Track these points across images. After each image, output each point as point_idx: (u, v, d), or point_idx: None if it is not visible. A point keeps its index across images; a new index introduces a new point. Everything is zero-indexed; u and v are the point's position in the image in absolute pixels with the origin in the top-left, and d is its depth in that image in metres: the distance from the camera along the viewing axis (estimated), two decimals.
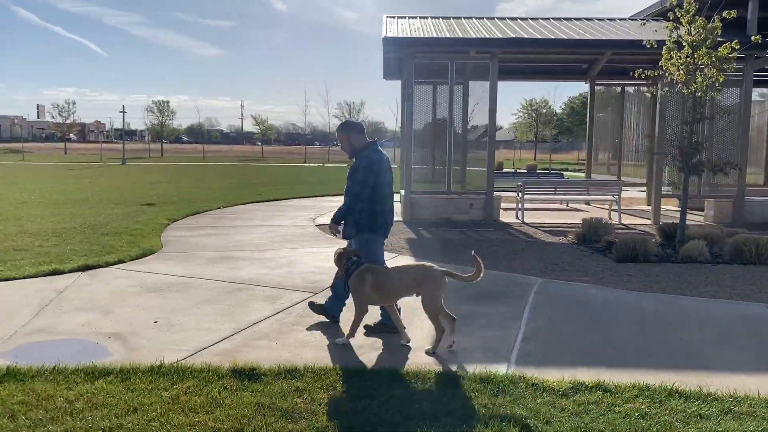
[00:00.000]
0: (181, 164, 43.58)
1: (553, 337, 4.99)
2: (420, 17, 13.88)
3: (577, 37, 12.39)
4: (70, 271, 7.03)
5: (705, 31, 8.60)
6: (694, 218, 12.36)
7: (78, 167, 36.20)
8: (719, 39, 8.62)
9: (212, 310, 5.59)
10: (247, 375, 4.00)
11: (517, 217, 12.73)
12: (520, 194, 12.71)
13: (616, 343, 4.87)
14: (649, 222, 12.48)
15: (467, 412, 3.50)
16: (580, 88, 75.20)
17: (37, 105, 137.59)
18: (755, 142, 16.73)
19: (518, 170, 32.22)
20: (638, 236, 8.89)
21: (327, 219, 12.29)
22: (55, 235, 9.53)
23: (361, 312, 4.76)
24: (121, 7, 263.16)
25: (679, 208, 14.63)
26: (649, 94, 16.46)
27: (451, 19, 13.88)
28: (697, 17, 8.67)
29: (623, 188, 13.27)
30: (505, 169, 29.35)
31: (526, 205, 12.80)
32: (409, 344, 4.71)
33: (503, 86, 12.64)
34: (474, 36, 12.08)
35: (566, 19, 14.24)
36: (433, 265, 4.87)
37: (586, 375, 4.08)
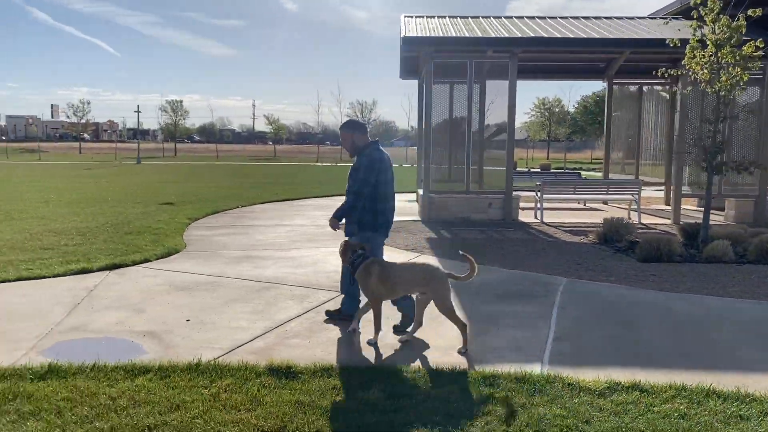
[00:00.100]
0: (196, 164, 43.84)
1: (584, 337, 4.99)
2: (438, 16, 13.88)
3: (598, 36, 12.34)
4: (98, 269, 7.11)
5: (729, 29, 8.55)
6: (714, 218, 12.25)
7: (94, 167, 36.52)
8: (743, 38, 8.57)
9: (242, 309, 5.64)
10: (284, 373, 4.04)
11: (535, 217, 12.70)
12: (538, 194, 12.68)
13: (647, 343, 4.86)
14: (668, 222, 12.40)
15: (507, 411, 3.51)
16: (594, 86, 74.75)
17: (51, 105, 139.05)
18: None
19: (532, 169, 32.14)
20: (662, 236, 8.84)
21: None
22: (79, 234, 9.63)
23: (376, 304, 4.80)
24: (133, 7, 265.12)
25: (698, 208, 14.64)
26: (665, 94, 16.39)
27: (469, 18, 13.86)
28: (721, 16, 8.62)
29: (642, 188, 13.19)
30: (518, 169, 29.25)
31: (544, 205, 12.77)
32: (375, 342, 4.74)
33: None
34: (493, 35, 12.06)
35: (584, 17, 14.18)
36: (438, 265, 4.93)
37: (621, 375, 4.08)
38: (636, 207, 12.56)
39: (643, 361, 4.43)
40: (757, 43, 8.51)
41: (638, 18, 14.59)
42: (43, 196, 16.22)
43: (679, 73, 9.56)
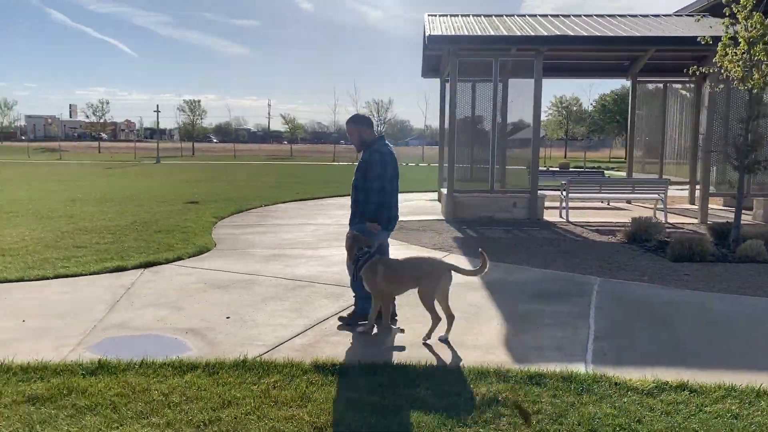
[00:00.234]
0: (214, 163, 44.14)
1: (625, 336, 4.96)
2: (461, 15, 13.86)
3: (625, 34, 12.25)
4: (133, 267, 7.20)
5: (762, 26, 8.45)
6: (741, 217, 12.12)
7: (115, 166, 36.92)
8: None
9: (279, 307, 5.68)
10: (330, 370, 4.07)
11: (560, 216, 12.64)
12: (564, 193, 12.62)
13: (688, 343, 4.83)
14: (695, 221, 12.28)
15: (556, 410, 3.51)
16: (613, 85, 74.23)
17: (70, 105, 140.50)
18: None
19: (550, 168, 31.96)
20: (693, 236, 8.77)
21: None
22: (109, 232, 9.75)
23: (384, 300, 4.86)
24: (149, 8, 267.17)
25: (724, 207, 14.49)
26: (685, 92, 16.23)
27: (493, 16, 13.83)
28: (754, 13, 8.52)
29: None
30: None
31: (569, 204, 12.69)
32: (374, 332, 4.89)
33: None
34: (519, 33, 12.02)
35: (609, 15, 14.09)
36: (441, 259, 4.94)
37: (666, 375, 4.06)
38: (662, 206, 12.44)
39: (686, 361, 4.40)
40: None
41: (663, 15, 14.46)
42: (69, 195, 16.43)
43: (709, 70, 9.46)
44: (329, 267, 7.46)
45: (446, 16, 13.82)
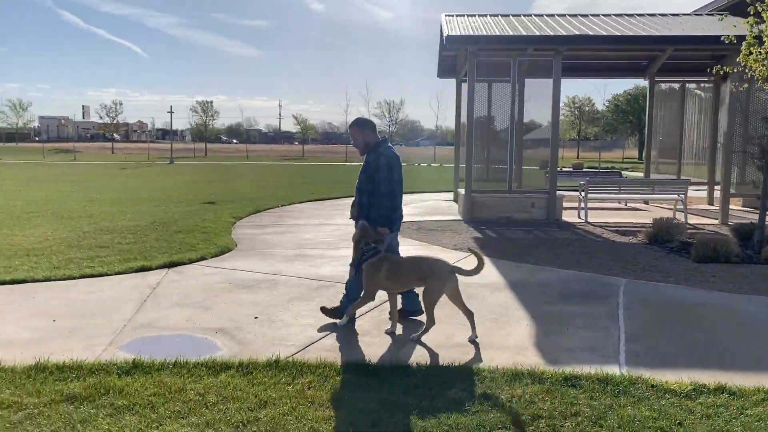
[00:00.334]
0: (227, 163, 44.32)
1: (656, 338, 4.91)
2: (479, 15, 13.82)
3: (645, 34, 12.16)
4: (157, 267, 7.23)
5: None
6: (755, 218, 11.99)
7: (129, 166, 37.15)
8: None
9: (306, 307, 5.68)
10: (363, 371, 4.06)
11: (579, 217, 12.56)
12: (582, 193, 12.54)
13: (721, 344, 4.77)
14: (716, 222, 12.16)
15: (595, 412, 3.48)
16: (626, 84, 73.75)
17: (83, 106, 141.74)
18: None
19: (563, 168, 31.75)
20: (717, 237, 8.69)
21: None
22: (130, 232, 9.80)
23: (367, 297, 4.95)
24: (161, 9, 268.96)
25: (744, 208, 14.35)
26: (699, 92, 16.09)
27: (510, 16, 13.78)
28: None
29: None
30: (547, 168, 28.86)
31: (583, 204, 12.61)
32: (395, 331, 4.94)
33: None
34: (538, 33, 11.96)
35: (628, 15, 13.99)
36: (446, 260, 4.99)
37: (702, 377, 4.01)
38: (682, 207, 12.34)
39: (721, 363, 4.35)
40: None
41: (683, 15, 14.35)
42: (86, 196, 16.55)
43: (733, 70, 9.37)
44: None
45: (463, 16, 13.79)
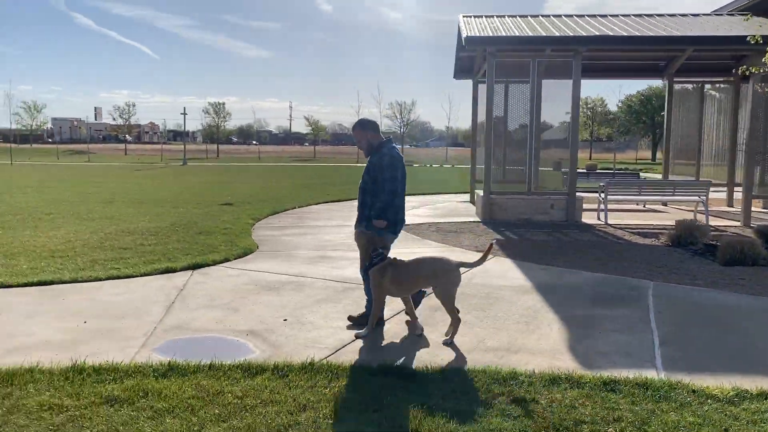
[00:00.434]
0: (240, 165, 44.47)
1: (691, 342, 4.85)
2: (497, 16, 13.76)
3: (665, 34, 12.06)
4: (182, 269, 7.24)
5: None
6: None
7: (143, 168, 37.37)
8: None
9: (333, 309, 5.67)
10: (397, 374, 4.03)
11: (598, 218, 12.48)
12: (602, 195, 12.45)
13: (758, 349, 4.71)
14: (738, 224, 12.04)
15: (637, 418, 3.44)
16: (639, 85, 73.28)
17: (95, 107, 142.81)
18: None
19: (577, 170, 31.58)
20: (744, 239, 8.59)
21: (406, 219, 12.36)
22: (151, 234, 9.83)
23: (378, 306, 4.92)
24: (172, 11, 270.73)
25: (764, 209, 14.18)
26: (714, 92, 15.94)
27: (528, 17, 13.71)
28: None
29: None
30: (563, 169, 28.71)
31: (603, 206, 12.51)
32: (423, 333, 4.93)
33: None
34: (558, 34, 11.89)
35: (647, 15, 13.89)
36: (449, 258, 4.98)
37: (743, 382, 3.95)
38: (703, 209, 12.21)
39: (760, 368, 4.28)
40: None
41: (703, 15, 14.22)
42: (104, 197, 16.65)
43: (758, 70, 9.26)
44: None
45: (481, 17, 13.74)
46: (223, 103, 71.37)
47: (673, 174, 16.57)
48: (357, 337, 4.85)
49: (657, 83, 64.64)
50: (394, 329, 5.10)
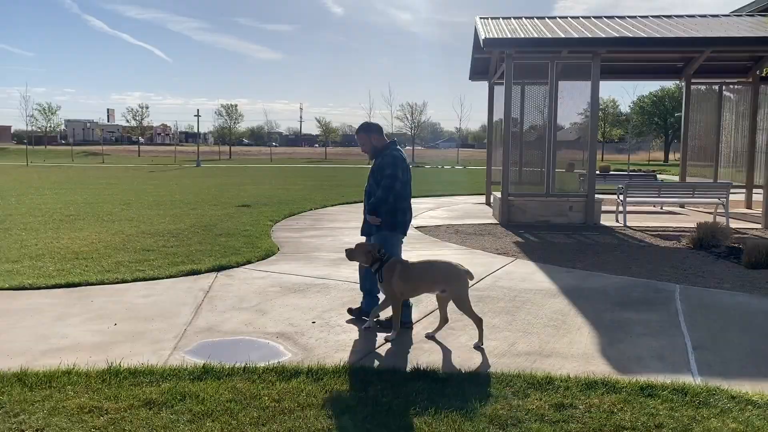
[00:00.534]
0: (253, 166, 44.64)
1: (724, 346, 4.81)
2: (514, 18, 13.73)
3: (686, 35, 11.97)
4: (207, 271, 7.27)
5: None
6: None
7: (157, 169, 37.58)
8: None
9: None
10: (432, 378, 4.02)
11: (616, 220, 12.41)
12: (621, 197, 12.38)
13: None
14: (759, 226, 11.93)
15: (678, 424, 3.41)
16: (652, 86, 72.73)
17: (107, 109, 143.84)
18: None
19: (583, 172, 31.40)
20: None
21: (423, 221, 12.38)
22: (172, 236, 9.88)
23: (396, 304, 4.87)
24: (184, 14, 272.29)
25: None
26: (729, 94, 15.81)
27: (546, 18, 13.67)
28: None
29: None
30: (577, 170, 28.53)
31: (621, 208, 12.43)
32: (393, 339, 4.86)
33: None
34: (577, 36, 11.84)
35: (666, 16, 13.80)
36: (458, 263, 4.93)
37: None
38: (723, 211, 12.11)
39: None
40: None
41: (722, 16, 14.11)
42: (121, 198, 16.76)
43: None
44: None
45: (498, 18, 13.71)
46: (236, 105, 71.69)
47: (689, 176, 16.46)
48: (386, 340, 4.85)
49: (669, 84, 64.31)
50: (422, 333, 5.08)
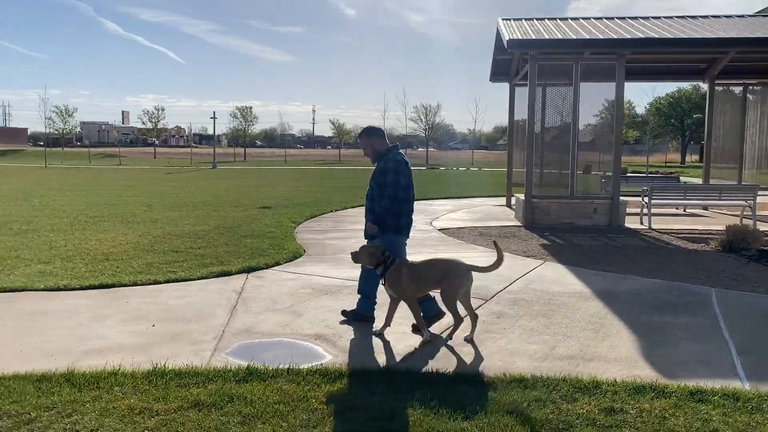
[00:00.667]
0: (268, 168, 44.81)
1: None
2: (536, 19, 13.66)
3: (713, 36, 11.86)
4: (237, 272, 7.29)
5: None
6: None
7: (173, 171, 37.82)
8: None
9: (396, 314, 5.61)
10: (476, 382, 4.00)
11: (641, 223, 12.30)
12: (645, 199, 12.27)
13: None
14: None
15: (734, 430, 3.35)
16: (668, 87, 72.19)
17: (122, 111, 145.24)
18: None
19: (606, 173, 31.17)
20: None
21: (445, 223, 12.35)
22: (198, 237, 9.92)
23: (412, 303, 4.93)
24: (197, 16, 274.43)
25: None
26: (757, 95, 15.61)
27: (569, 19, 13.59)
28: None
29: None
30: (594, 172, 28.32)
31: (646, 210, 12.32)
32: (382, 332, 5.01)
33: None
34: (602, 37, 11.76)
35: (691, 17, 13.66)
36: (461, 260, 4.97)
37: None
38: (750, 213, 11.96)
39: None
40: None
41: (748, 16, 13.97)
42: (142, 200, 16.87)
43: None
44: None
45: (521, 20, 13.65)
46: (251, 107, 72.00)
47: (713, 178, 16.28)
48: (423, 342, 4.83)
49: (686, 86, 63.77)
50: (460, 335, 5.03)
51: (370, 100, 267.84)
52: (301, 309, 5.79)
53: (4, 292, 6.30)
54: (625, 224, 12.01)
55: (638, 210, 13.02)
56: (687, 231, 11.40)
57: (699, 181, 20.26)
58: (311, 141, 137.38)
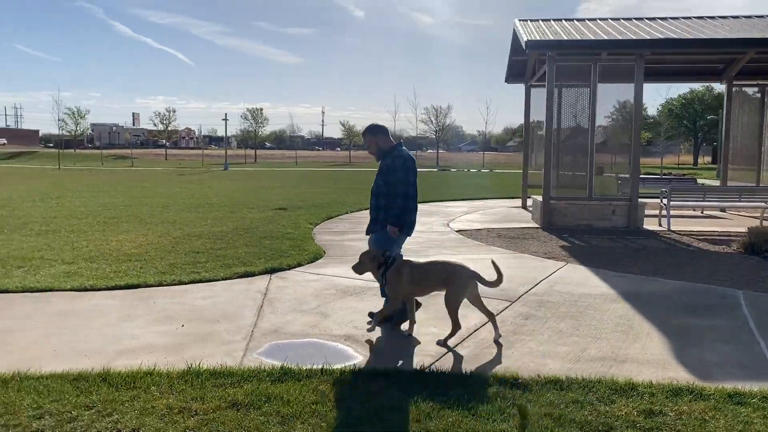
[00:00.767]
0: (280, 169, 44.93)
1: None
2: (553, 20, 13.63)
3: (733, 36, 11.78)
4: (260, 273, 7.31)
5: None
6: None
7: (185, 172, 38.00)
8: None
9: (423, 316, 5.57)
10: (511, 384, 3.98)
11: (659, 224, 12.23)
12: (664, 200, 12.20)
13: None
14: None
15: None
16: (681, 88, 71.74)
17: (133, 113, 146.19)
18: None
19: (619, 175, 31.00)
20: None
21: (462, 225, 12.33)
22: (218, 238, 9.96)
23: (394, 303, 4.95)
24: (206, 18, 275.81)
25: None
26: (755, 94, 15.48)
27: (586, 20, 13.55)
28: None
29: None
30: (606, 173, 28.20)
31: (664, 212, 12.24)
32: (410, 333, 5.01)
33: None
34: (620, 37, 11.72)
35: (709, 17, 13.59)
36: (466, 265, 4.92)
37: None
38: None
39: None
40: None
41: (767, 16, 13.85)
42: (157, 202, 16.96)
43: None
44: None
45: (537, 21, 13.62)
46: (261, 109, 72.30)
47: (730, 180, 16.16)
48: (439, 343, 4.80)
49: (698, 87, 63.36)
50: (489, 337, 5.02)
51: (379, 101, 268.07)
52: (327, 310, 5.79)
53: (32, 292, 6.35)
54: (644, 226, 11.95)
55: (655, 212, 12.95)
56: (707, 233, 11.33)
57: (714, 182, 20.15)
58: (320, 142, 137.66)
